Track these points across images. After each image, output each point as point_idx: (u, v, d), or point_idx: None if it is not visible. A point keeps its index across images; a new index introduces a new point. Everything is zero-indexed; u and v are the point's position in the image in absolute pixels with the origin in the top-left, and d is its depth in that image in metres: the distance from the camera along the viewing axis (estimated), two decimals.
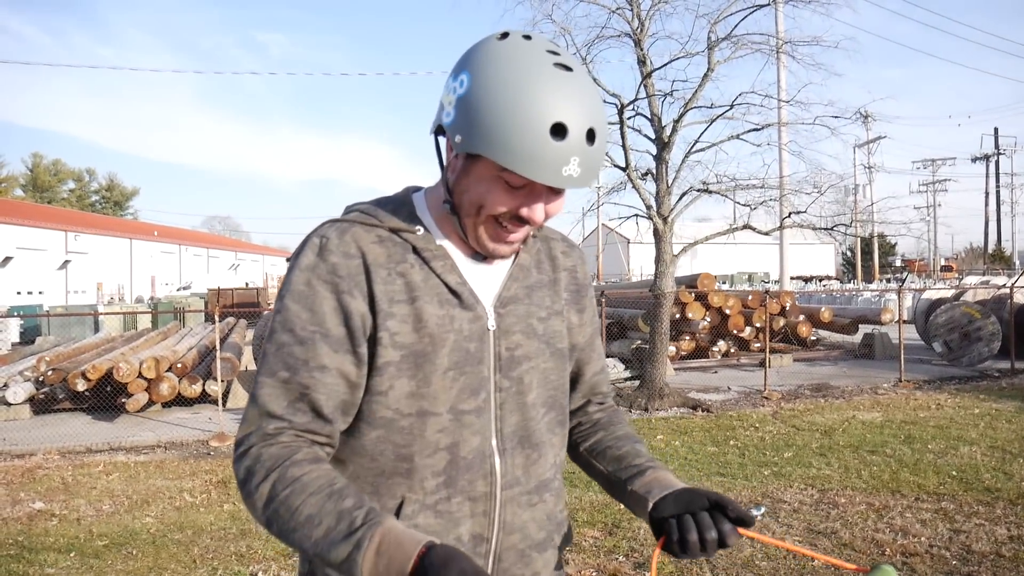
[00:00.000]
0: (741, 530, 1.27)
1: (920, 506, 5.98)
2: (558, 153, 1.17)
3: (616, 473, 1.44)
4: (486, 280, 1.36)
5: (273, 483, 1.19)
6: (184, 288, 43.28)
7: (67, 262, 43.14)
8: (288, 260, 1.37)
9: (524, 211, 1.25)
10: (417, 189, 1.43)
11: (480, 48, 1.23)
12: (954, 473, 6.90)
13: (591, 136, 1.19)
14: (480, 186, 1.25)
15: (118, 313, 18.42)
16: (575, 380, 1.54)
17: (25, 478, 7.74)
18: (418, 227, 1.34)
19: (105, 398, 10.90)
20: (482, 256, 1.35)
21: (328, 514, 1.15)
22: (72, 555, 5.38)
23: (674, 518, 1.30)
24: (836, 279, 51.72)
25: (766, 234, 12.03)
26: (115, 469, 8.15)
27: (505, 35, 1.24)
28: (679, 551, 1.27)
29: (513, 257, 1.40)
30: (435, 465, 1.28)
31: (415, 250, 1.32)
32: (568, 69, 1.20)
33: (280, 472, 1.19)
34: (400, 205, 1.37)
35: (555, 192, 1.27)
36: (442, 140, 1.31)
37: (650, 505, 1.34)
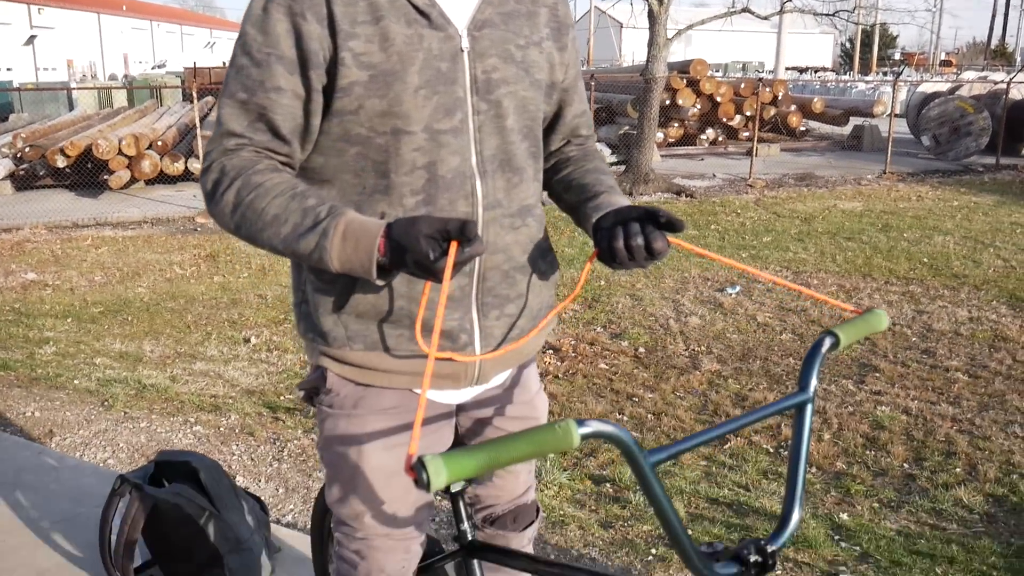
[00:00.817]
0: (673, 240, 1.27)
1: (889, 288, 6.20)
2: None
3: (576, 200, 1.46)
4: (457, 3, 1.31)
5: (238, 190, 1.23)
6: (159, 66, 41.69)
7: (33, 37, 41.14)
8: None
9: None
10: None
11: None
12: (925, 260, 7.11)
13: None
14: None
15: (92, 88, 17.84)
16: (556, 121, 1.52)
17: (14, 251, 7.83)
18: None
19: (87, 175, 10.81)
20: None
21: (293, 212, 1.19)
22: (69, 320, 5.55)
23: (608, 229, 1.31)
24: (832, 71, 50.44)
25: (765, 19, 11.56)
26: (103, 243, 8.25)
27: None
28: (608, 259, 1.28)
29: None
30: (413, 183, 1.28)
31: None
32: None
33: (244, 179, 1.23)
34: None
35: None
36: None
37: (592, 220, 1.36)
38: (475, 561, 1.51)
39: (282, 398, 4.17)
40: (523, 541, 1.65)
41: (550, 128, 1.52)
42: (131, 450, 3.59)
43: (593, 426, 0.91)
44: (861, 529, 2.87)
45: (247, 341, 5.06)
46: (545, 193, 1.56)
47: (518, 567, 1.48)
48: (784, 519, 1.11)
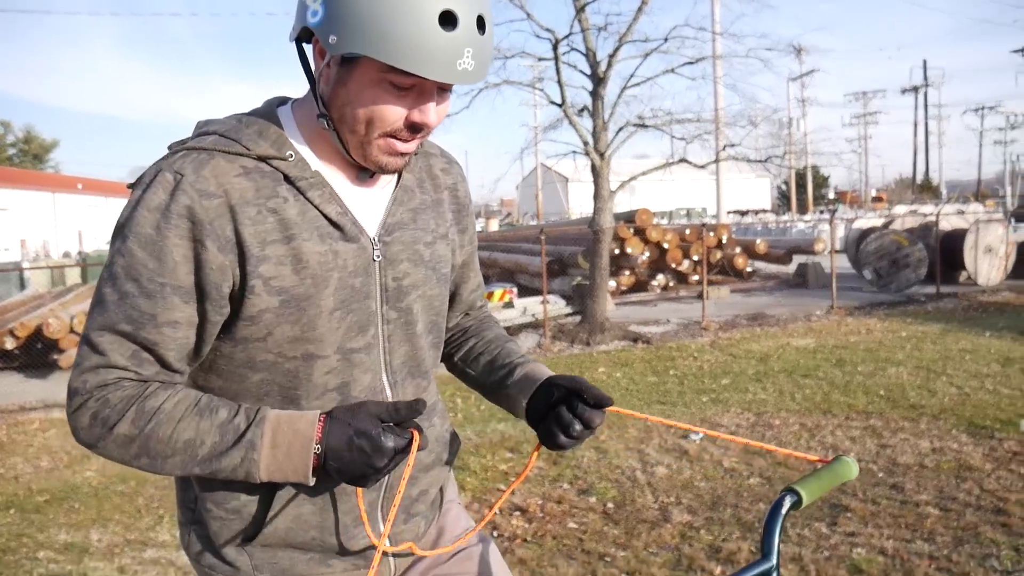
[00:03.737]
0: (610, 409, 1.28)
1: (850, 424, 6.23)
2: (451, 45, 1.05)
3: (490, 379, 1.44)
4: (369, 206, 1.25)
5: (132, 420, 1.11)
6: None
7: None
8: (130, 187, 1.18)
9: (416, 115, 1.13)
10: (283, 101, 1.26)
11: None
12: (882, 392, 7.19)
13: (481, 24, 1.08)
14: (364, 94, 1.11)
15: (45, 268, 17.82)
16: (452, 298, 1.49)
17: None
18: (289, 152, 1.18)
19: (36, 355, 10.60)
20: (364, 177, 1.24)
21: (206, 432, 1.10)
22: (12, 512, 5.28)
23: (543, 419, 1.30)
24: (772, 212, 52.71)
25: (702, 167, 12.15)
26: (51, 426, 7.98)
27: None
28: (552, 446, 1.27)
29: (396, 178, 1.29)
30: (324, 406, 1.20)
31: (287, 179, 1.17)
32: None
33: (137, 408, 1.11)
34: (266, 125, 1.20)
35: (443, 90, 1.15)
36: (307, 47, 1.17)
37: (522, 406, 1.35)
38: None
39: None
40: None
41: (448, 307, 1.48)
42: None
43: None
44: None
45: None
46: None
47: None
48: None
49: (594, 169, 11.16)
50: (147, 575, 4.12)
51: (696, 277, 15.67)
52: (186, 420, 1.11)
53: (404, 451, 1.09)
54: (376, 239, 1.24)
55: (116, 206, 55.83)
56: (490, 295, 12.10)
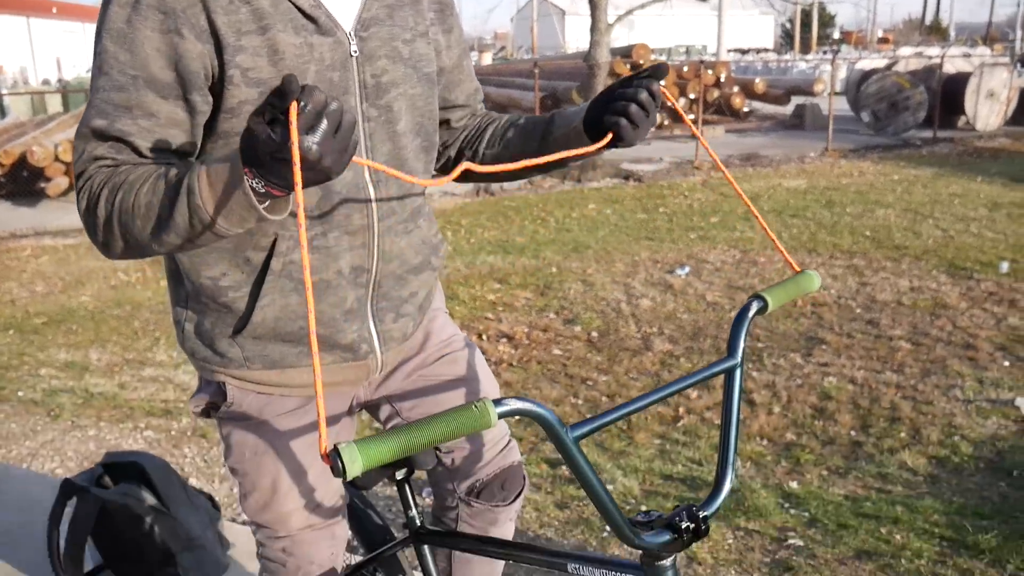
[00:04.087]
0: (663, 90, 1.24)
1: (833, 263, 6.34)
2: None
3: (529, 143, 1.41)
4: (342, 1, 1.22)
5: (108, 195, 1.10)
6: None
7: None
8: None
9: None
10: None
11: None
12: (868, 233, 7.27)
13: None
14: None
15: (25, 94, 17.35)
16: (452, 104, 1.47)
17: None
18: None
19: (23, 183, 10.51)
20: None
21: (160, 191, 1.06)
22: (11, 332, 5.41)
23: (605, 110, 1.27)
24: (774, 51, 51.17)
25: (703, 0, 11.66)
26: (43, 252, 8.05)
27: None
28: (627, 132, 1.24)
29: None
30: (308, 200, 1.20)
31: None
32: None
33: (111, 185, 1.10)
34: None
35: None
36: None
37: (582, 131, 1.32)
38: (424, 547, 1.52)
39: None
40: (510, 515, 1.59)
41: (447, 112, 1.47)
42: (80, 459, 3.52)
43: (511, 404, 0.91)
44: (810, 496, 2.94)
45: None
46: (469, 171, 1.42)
47: (467, 549, 1.49)
48: (717, 485, 1.13)
49: (591, 1, 10.71)
50: (147, 390, 4.29)
51: (691, 115, 15.41)
52: (146, 185, 1.08)
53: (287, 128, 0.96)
54: (352, 34, 1.22)
55: (93, 32, 53.59)
56: None
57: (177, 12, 1.09)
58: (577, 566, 1.23)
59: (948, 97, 14.34)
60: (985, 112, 14.46)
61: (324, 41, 1.19)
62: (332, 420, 1.41)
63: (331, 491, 1.43)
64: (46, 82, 31.98)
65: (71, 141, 10.60)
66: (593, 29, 10.84)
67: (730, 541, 2.67)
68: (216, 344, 1.30)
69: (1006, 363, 4.23)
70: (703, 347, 4.62)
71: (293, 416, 1.36)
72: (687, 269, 6.21)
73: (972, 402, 3.77)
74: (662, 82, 1.25)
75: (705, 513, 1.09)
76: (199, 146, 1.20)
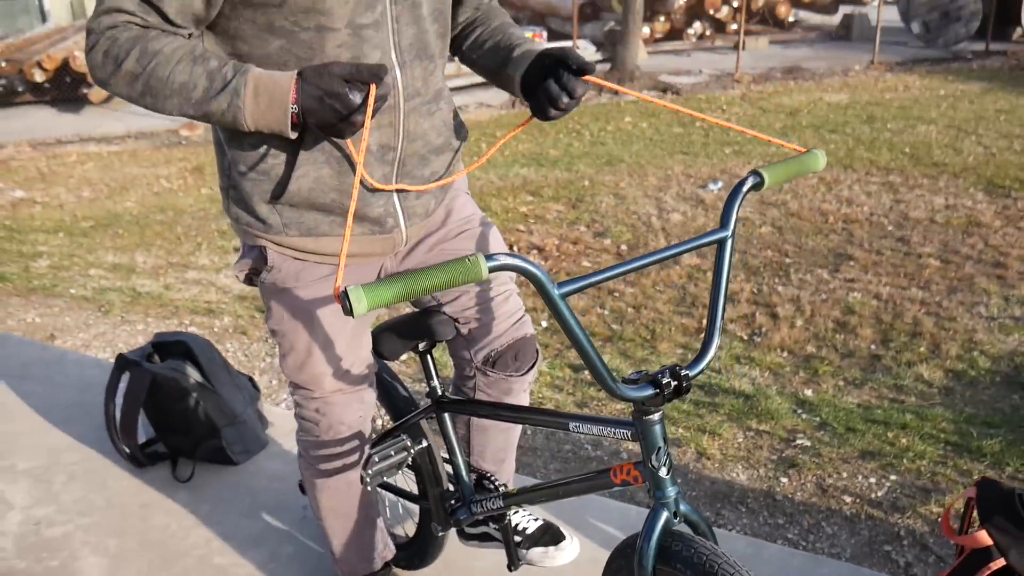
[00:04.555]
0: (588, 79, 1.38)
1: (869, 179, 6.28)
2: None
3: (493, 62, 1.55)
4: None
5: (137, 59, 1.22)
6: None
7: None
8: None
9: None
10: None
11: None
12: (907, 150, 7.16)
13: None
14: None
15: None
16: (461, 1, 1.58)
17: (0, 169, 7.83)
18: None
19: (66, 89, 10.66)
20: None
21: (199, 76, 1.22)
22: (61, 235, 5.63)
23: (534, 92, 1.43)
24: None
25: None
26: (88, 159, 8.23)
27: None
28: (545, 119, 1.41)
29: None
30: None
31: None
32: None
33: (141, 48, 1.22)
34: None
35: None
36: None
37: (517, 88, 1.48)
38: (445, 415, 1.69)
39: None
40: (523, 385, 1.74)
41: (457, 2, 1.57)
42: (129, 350, 3.74)
43: (501, 259, 1.03)
44: (823, 403, 3.05)
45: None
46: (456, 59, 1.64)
47: (483, 415, 1.66)
48: (704, 348, 1.25)
49: None
50: (190, 291, 4.48)
51: (735, 26, 14.98)
52: (182, 64, 1.22)
53: (366, 103, 1.19)
54: None
55: None
56: None
57: None
58: (577, 424, 1.39)
59: (1003, 6, 13.75)
60: None
61: None
62: (370, 277, 1.55)
63: (360, 358, 1.59)
64: None
65: None
66: None
67: (740, 440, 2.80)
68: (257, 210, 1.43)
69: None
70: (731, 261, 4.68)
71: (326, 282, 1.50)
72: (720, 184, 6.20)
73: (995, 319, 3.82)
74: (587, 80, 1.38)
75: (687, 372, 1.20)
76: (212, 15, 1.30)
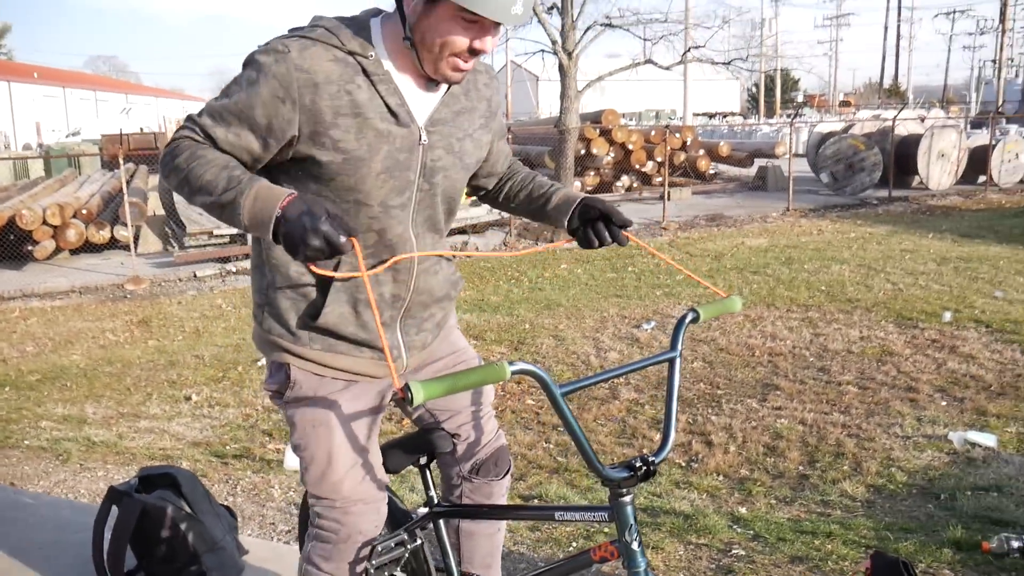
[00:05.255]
0: (625, 233, 1.83)
1: (790, 315, 6.74)
2: None
3: (531, 207, 1.96)
4: (422, 103, 1.67)
5: (185, 158, 1.57)
6: (73, 134, 41.00)
7: None
8: (256, 48, 1.65)
9: (477, 44, 1.56)
10: (377, 13, 1.69)
11: None
12: (823, 288, 7.71)
13: None
14: (441, 26, 1.54)
15: (8, 159, 17.62)
16: (492, 173, 1.97)
17: None
18: (371, 52, 1.61)
19: (10, 246, 10.76)
20: (427, 83, 1.66)
21: (222, 179, 1.53)
22: (7, 389, 5.63)
23: (579, 228, 1.85)
24: (741, 115, 52.72)
25: (667, 69, 12.32)
26: (32, 314, 8.27)
27: None
28: (588, 248, 1.83)
29: (447, 87, 1.71)
30: (366, 241, 1.67)
31: (364, 72, 1.59)
32: None
33: (192, 151, 1.57)
34: (360, 29, 1.63)
35: (497, 27, 1.57)
36: None
37: (564, 222, 1.87)
38: (440, 521, 1.93)
39: (228, 447, 4.38)
40: (502, 490, 2.00)
41: (488, 176, 1.97)
42: (92, 496, 3.76)
43: (519, 365, 1.37)
44: (756, 519, 3.26)
45: (188, 399, 5.25)
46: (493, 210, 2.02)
47: (473, 516, 1.94)
48: (663, 441, 1.57)
49: (561, 68, 11.30)
50: (144, 439, 4.54)
51: (660, 179, 16.02)
52: (214, 168, 1.54)
53: (336, 248, 1.45)
54: (423, 128, 1.67)
55: (74, 97, 54.18)
56: None
57: (291, 87, 1.56)
58: (561, 513, 1.67)
59: (901, 158, 15.07)
60: (937, 172, 15.19)
61: (400, 131, 1.64)
62: (370, 402, 1.81)
63: (375, 468, 1.81)
64: (27, 146, 32.18)
65: (58, 204, 10.91)
66: (563, 96, 11.41)
67: (681, 552, 2.98)
68: (289, 323, 1.72)
69: (943, 403, 4.61)
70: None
71: (341, 396, 1.75)
72: (653, 323, 6.58)
73: (910, 438, 4.13)
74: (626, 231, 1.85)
75: (654, 459, 1.50)
76: (264, 165, 1.65)
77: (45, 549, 2.88)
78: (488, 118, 1.84)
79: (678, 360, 1.65)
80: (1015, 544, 2.72)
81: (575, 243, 1.88)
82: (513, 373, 1.35)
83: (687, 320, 1.72)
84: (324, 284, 1.68)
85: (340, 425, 1.75)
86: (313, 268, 1.63)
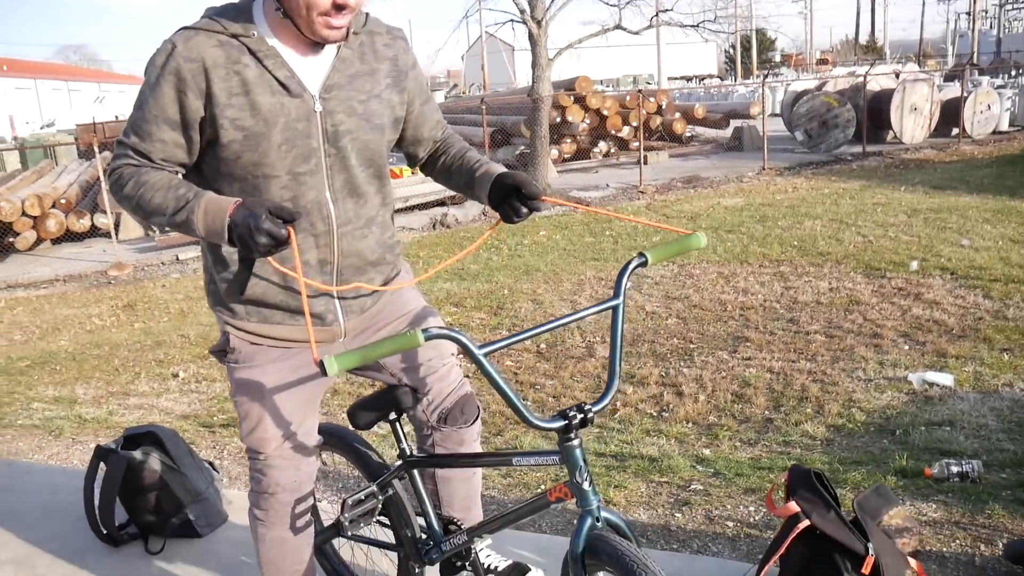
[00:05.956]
0: (545, 198, 1.85)
1: (762, 271, 6.90)
2: None
3: (460, 182, 2.02)
4: (313, 72, 1.74)
5: (131, 186, 1.71)
6: (48, 126, 40.58)
7: None
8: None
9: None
10: None
11: None
12: (795, 243, 7.87)
13: None
14: None
15: None
16: (419, 139, 2.03)
17: None
18: (253, 31, 1.69)
19: None
20: (311, 49, 1.73)
21: (170, 200, 1.68)
22: None
23: (499, 204, 1.89)
24: (719, 77, 52.70)
25: (637, 33, 12.37)
26: (17, 304, 8.35)
27: None
28: (510, 223, 1.88)
29: (336, 50, 1.77)
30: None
31: (250, 51, 1.68)
32: None
33: (134, 181, 1.71)
34: (240, 11, 1.72)
35: None
36: None
37: (485, 203, 1.93)
38: (415, 471, 2.05)
39: (215, 418, 4.52)
40: (472, 436, 2.12)
41: (416, 143, 2.03)
42: (85, 465, 3.89)
43: (434, 331, 1.43)
44: (719, 459, 3.44)
45: (176, 376, 5.37)
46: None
47: (446, 464, 2.06)
48: (606, 390, 1.65)
49: (531, 37, 11.35)
50: (134, 415, 4.67)
51: (636, 143, 16.12)
52: (160, 192, 1.69)
53: (280, 240, 1.58)
54: (317, 96, 1.74)
55: (47, 88, 53.52)
56: None
57: (187, 79, 1.67)
58: (518, 459, 1.79)
59: (875, 113, 15.20)
60: (911, 126, 15.34)
61: (292, 101, 1.73)
62: (308, 368, 1.93)
63: (302, 431, 1.96)
64: (1, 140, 31.90)
65: (37, 195, 10.93)
66: (534, 65, 11.47)
67: (643, 489, 3.16)
68: (226, 301, 1.86)
69: (906, 347, 4.79)
70: (641, 351, 5.12)
71: (276, 363, 1.89)
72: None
73: (872, 380, 4.31)
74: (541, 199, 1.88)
75: (591, 407, 1.59)
76: (195, 160, 1.78)
77: (42, 509, 3.09)
78: (396, 78, 1.89)
79: (621, 308, 1.66)
80: (954, 469, 2.90)
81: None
82: (427, 339, 1.40)
83: (632, 265, 1.71)
84: (248, 264, 1.78)
85: (272, 390, 1.88)
86: (271, 261, 1.73)
